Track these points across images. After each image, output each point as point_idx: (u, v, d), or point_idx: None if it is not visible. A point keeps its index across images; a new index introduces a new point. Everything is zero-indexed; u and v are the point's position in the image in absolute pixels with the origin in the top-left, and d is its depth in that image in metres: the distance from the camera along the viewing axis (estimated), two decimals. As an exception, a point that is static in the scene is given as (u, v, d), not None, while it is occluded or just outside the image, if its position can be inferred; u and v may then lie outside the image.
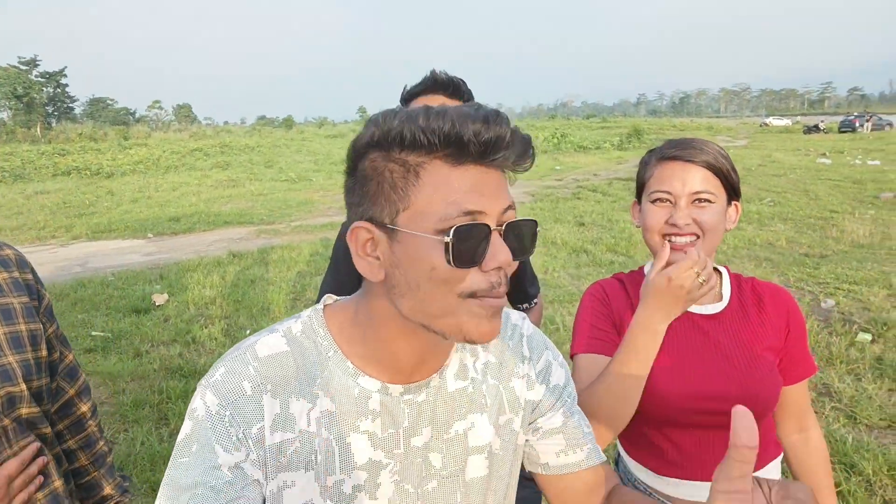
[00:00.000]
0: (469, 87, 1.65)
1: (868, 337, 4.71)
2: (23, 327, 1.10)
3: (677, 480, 1.26)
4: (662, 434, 1.26)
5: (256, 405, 0.75)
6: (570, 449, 0.90)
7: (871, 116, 43.06)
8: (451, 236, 0.67)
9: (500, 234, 0.71)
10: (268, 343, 0.79)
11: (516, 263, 0.74)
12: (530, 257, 1.89)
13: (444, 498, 0.83)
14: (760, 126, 55.91)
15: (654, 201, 1.22)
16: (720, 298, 1.29)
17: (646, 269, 1.35)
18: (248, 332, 5.36)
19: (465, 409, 0.84)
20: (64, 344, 1.24)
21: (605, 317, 1.30)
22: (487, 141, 0.68)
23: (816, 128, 42.69)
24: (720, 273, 1.32)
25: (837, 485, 2.80)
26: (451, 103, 0.80)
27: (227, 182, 18.33)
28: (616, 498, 0.91)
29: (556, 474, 0.90)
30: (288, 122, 68.53)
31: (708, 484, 1.19)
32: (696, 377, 1.20)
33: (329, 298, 0.86)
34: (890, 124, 42.30)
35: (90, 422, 1.26)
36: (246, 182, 18.37)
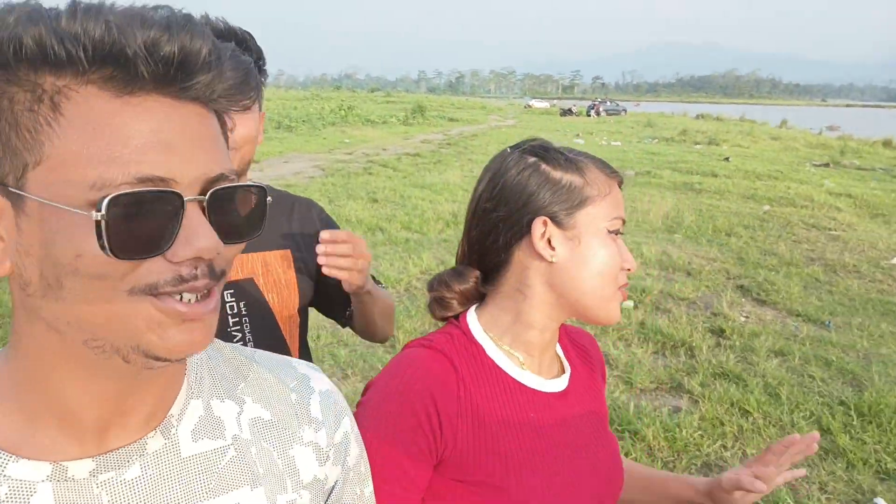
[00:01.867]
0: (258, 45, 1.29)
1: (631, 304, 5.32)
2: None
3: None
4: None
5: None
6: None
7: (599, 104, 50.01)
8: (103, 211, 0.42)
9: (202, 208, 0.46)
10: None
11: (236, 248, 0.50)
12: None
13: None
14: (525, 107, 61.59)
15: (614, 232, 0.89)
16: (563, 369, 0.98)
17: (474, 332, 0.92)
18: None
19: (223, 483, 0.57)
20: None
21: (420, 456, 0.83)
22: (170, 57, 0.43)
23: (570, 111, 48.40)
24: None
25: (626, 453, 3.05)
26: None
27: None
28: None
29: None
30: None
31: None
32: (566, 494, 0.89)
33: None
34: (625, 110, 49.83)
35: None
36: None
